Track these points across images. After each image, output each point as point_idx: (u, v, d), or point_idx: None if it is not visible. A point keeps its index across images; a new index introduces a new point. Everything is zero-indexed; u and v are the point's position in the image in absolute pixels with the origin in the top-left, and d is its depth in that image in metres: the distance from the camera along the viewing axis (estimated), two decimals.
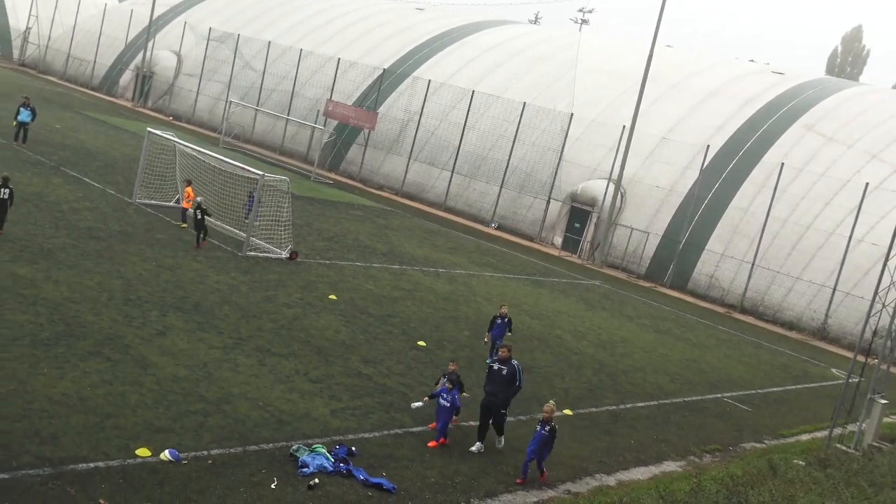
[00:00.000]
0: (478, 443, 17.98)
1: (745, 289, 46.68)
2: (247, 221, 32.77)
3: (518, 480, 16.97)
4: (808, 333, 43.92)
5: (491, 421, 17.97)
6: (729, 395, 27.75)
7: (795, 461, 21.63)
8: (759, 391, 29.31)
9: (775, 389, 30.18)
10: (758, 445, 23.26)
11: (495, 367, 17.98)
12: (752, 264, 46.84)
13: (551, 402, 17.23)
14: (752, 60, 69.62)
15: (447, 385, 17.94)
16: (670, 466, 20.09)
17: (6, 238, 25.06)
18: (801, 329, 44.35)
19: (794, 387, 31.40)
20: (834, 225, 46.39)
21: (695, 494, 17.67)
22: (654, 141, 53.97)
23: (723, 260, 48.16)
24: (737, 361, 33.20)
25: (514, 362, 17.83)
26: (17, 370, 16.49)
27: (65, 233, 27.55)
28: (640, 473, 19.21)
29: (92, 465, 13.89)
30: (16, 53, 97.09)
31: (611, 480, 18.41)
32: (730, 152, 51.97)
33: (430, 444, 17.78)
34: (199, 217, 30.51)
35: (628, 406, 23.92)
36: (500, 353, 18.08)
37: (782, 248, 46.88)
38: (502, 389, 17.69)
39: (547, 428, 16.86)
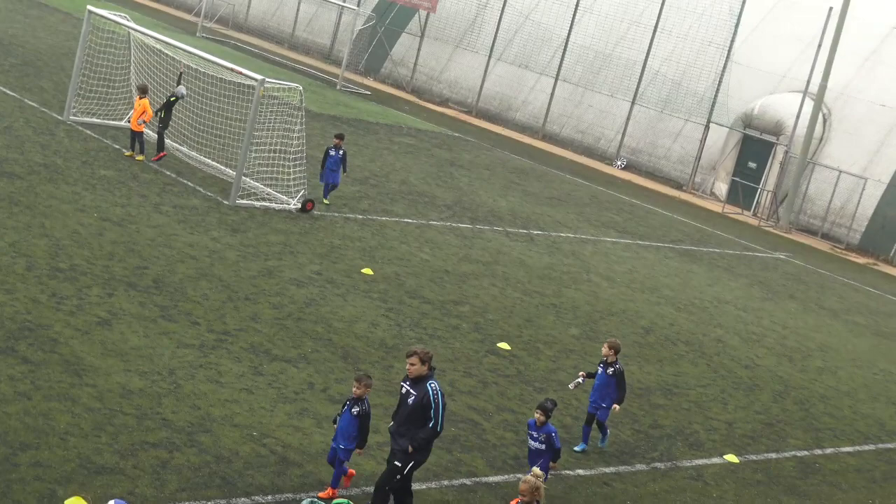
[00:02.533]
0: None
1: None
2: (326, 202, 33.06)
3: None
4: None
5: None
6: None
7: None
8: None
9: None
10: None
11: (403, 389, 15.91)
12: None
13: (533, 473, 14.71)
14: None
15: (538, 416, 17.78)
16: None
17: None
18: None
19: None
20: None
21: None
22: (880, 33, 52.94)
23: None
24: None
25: (433, 385, 15.51)
26: None
27: None
28: None
29: None
30: None
31: None
32: None
33: (515, 501, 17.78)
34: (160, 112, 32.31)
35: (828, 451, 23.61)
36: (408, 365, 15.69)
37: None
38: (406, 429, 15.63)
39: None
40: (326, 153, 33.67)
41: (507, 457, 18.94)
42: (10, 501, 14.50)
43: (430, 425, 15.29)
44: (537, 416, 17.53)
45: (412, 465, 15.46)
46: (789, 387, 27.26)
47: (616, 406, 20.06)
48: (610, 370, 19.92)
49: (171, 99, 32.80)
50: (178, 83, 33.75)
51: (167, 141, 33.41)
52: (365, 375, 16.47)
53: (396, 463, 15.44)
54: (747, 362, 28.36)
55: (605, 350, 20.17)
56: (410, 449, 15.30)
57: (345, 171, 34.22)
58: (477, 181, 43.20)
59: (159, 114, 32.81)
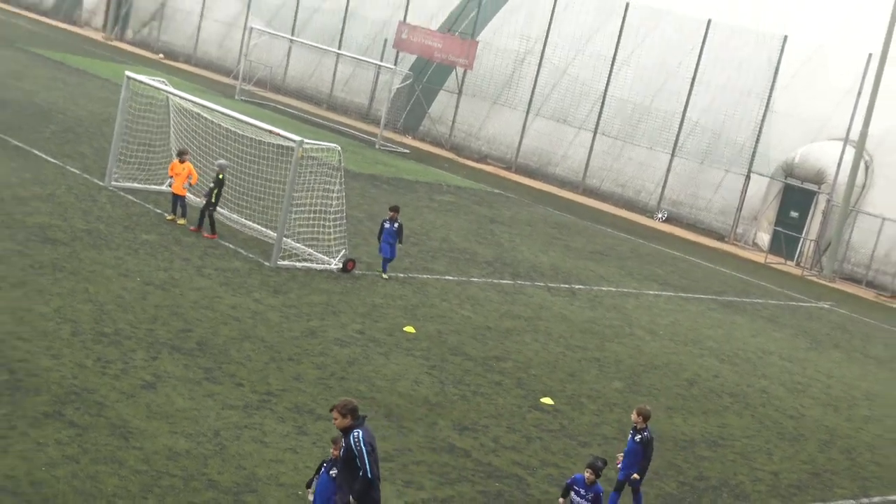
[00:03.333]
0: None
1: None
2: (385, 277, 32.41)
3: None
4: None
5: None
6: None
7: None
8: None
9: None
10: None
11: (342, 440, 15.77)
12: None
13: None
14: None
15: (588, 475, 17.76)
16: None
17: None
18: None
19: None
20: None
21: None
22: None
23: None
24: None
25: (354, 434, 15.25)
26: None
27: (6, 234, 28.30)
28: None
29: None
30: None
31: None
32: None
33: None
34: (215, 190, 32.53)
35: (875, 500, 23.50)
36: (333, 420, 15.51)
37: None
38: (342, 479, 15.48)
39: None
40: (382, 226, 32.70)
41: None
42: None
43: (361, 474, 15.03)
44: (587, 475, 17.43)
45: None
46: (835, 436, 27.18)
47: (635, 475, 19.36)
48: (638, 437, 19.26)
49: (220, 176, 32.99)
50: (220, 173, 33.46)
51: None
52: (342, 437, 15.61)
53: None
54: (792, 412, 28.31)
55: (633, 416, 19.50)
56: (352, 502, 15.17)
57: (400, 242, 33.15)
58: (517, 237, 43.39)
59: (213, 193, 32.75)
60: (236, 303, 27.11)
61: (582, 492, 17.47)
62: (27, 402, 18.96)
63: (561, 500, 17.96)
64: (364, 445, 15.04)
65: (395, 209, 33.23)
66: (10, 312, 22.92)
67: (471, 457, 21.01)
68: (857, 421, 28.87)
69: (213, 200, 32.76)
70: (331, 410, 15.49)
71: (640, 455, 19.26)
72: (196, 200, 34.61)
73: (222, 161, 33.92)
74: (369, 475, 15.03)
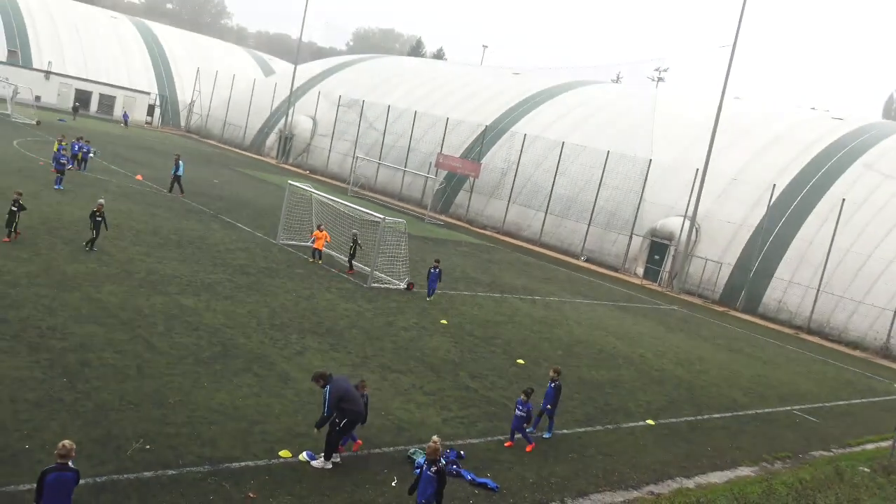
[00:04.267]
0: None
1: (812, 312, 44.93)
2: (429, 300, 30.85)
3: None
4: (871, 352, 41.90)
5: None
6: (798, 407, 26.68)
7: (861, 468, 20.67)
8: (826, 404, 28.07)
9: (841, 403, 28.86)
10: (825, 453, 22.27)
11: None
12: (818, 289, 45.08)
13: (435, 437, 13.35)
14: (812, 108, 67.45)
15: (523, 398, 17.77)
16: (744, 471, 19.43)
17: (174, 274, 26.12)
18: (864, 348, 42.35)
19: (859, 401, 29.96)
20: (894, 253, 44.34)
21: (766, 497, 17.11)
22: (726, 181, 52.69)
23: (790, 286, 46.52)
24: (805, 377, 31.91)
25: (326, 389, 14.93)
26: (182, 384, 17.15)
27: (221, 269, 28.47)
28: (716, 477, 18.64)
29: (243, 463, 14.32)
30: (182, 122, 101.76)
31: (690, 483, 17.94)
32: (795, 190, 50.34)
33: (528, 448, 17.71)
34: (353, 246, 32.69)
35: (705, 417, 23.28)
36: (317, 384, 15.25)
37: (846, 275, 45.02)
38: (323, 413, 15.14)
39: (433, 469, 12.95)
40: (429, 271, 31.49)
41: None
42: (250, 453, 14.71)
43: (324, 412, 14.88)
44: (522, 397, 17.65)
45: (338, 427, 14.84)
46: (682, 381, 26.88)
47: (549, 406, 18.62)
48: (552, 384, 18.68)
49: (355, 238, 32.78)
50: (354, 231, 33.35)
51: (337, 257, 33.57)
52: (364, 381, 15.60)
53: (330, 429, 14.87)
54: (657, 367, 28.01)
55: (550, 373, 18.91)
56: (316, 430, 15.11)
57: (440, 280, 31.69)
58: (504, 270, 43.19)
59: (351, 248, 32.64)
60: (347, 307, 27.05)
61: (521, 406, 17.54)
62: (231, 363, 19.01)
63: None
64: (329, 396, 14.76)
65: (437, 261, 32.08)
66: (223, 313, 22.98)
67: (478, 393, 20.87)
68: (694, 372, 28.52)
69: (352, 252, 32.72)
70: (312, 380, 15.26)
71: (554, 396, 18.73)
72: (335, 254, 34.58)
73: (355, 230, 33.86)
74: (325, 413, 14.80)
